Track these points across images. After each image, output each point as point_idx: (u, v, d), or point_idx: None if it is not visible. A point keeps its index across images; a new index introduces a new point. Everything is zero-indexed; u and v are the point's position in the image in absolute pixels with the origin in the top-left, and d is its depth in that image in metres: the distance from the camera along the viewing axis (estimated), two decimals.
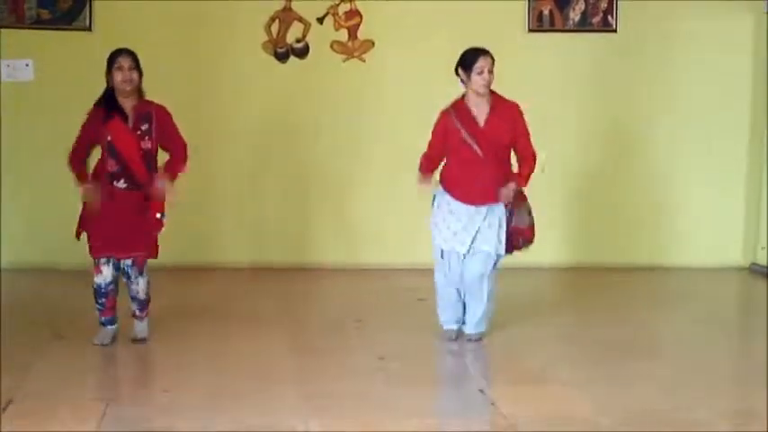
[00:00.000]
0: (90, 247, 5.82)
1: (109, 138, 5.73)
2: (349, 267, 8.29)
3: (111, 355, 5.77)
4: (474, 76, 5.78)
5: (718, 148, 8.54)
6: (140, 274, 5.89)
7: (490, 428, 4.62)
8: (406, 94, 8.29)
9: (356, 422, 4.60)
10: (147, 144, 5.76)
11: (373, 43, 8.35)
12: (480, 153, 5.79)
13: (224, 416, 4.63)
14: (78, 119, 7.97)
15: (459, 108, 5.88)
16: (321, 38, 8.31)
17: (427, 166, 5.99)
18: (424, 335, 6.21)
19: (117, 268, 5.86)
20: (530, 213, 5.97)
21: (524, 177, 5.88)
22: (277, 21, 8.29)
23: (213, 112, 8.29)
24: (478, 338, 6.02)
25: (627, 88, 8.49)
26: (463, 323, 6.07)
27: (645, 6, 8.36)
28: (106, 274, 5.83)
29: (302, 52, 8.33)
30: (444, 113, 5.92)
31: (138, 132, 5.75)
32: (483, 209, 5.84)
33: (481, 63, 5.77)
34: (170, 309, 6.55)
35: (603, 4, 8.37)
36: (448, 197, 5.89)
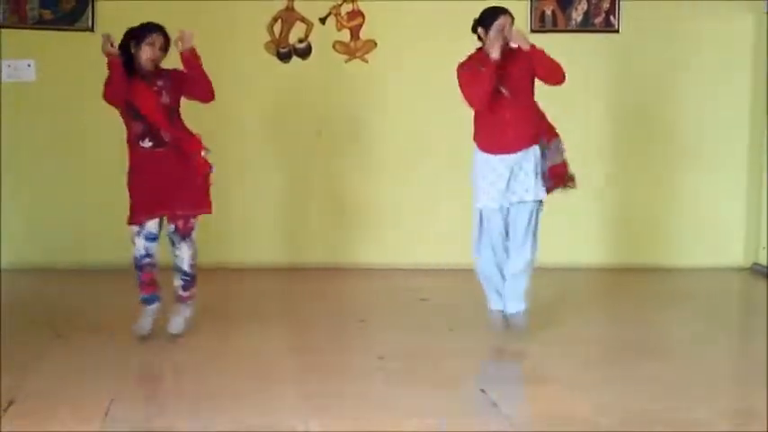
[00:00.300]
0: (128, 216, 5.78)
1: (128, 98, 5.67)
2: (350, 267, 8.30)
3: (112, 355, 5.76)
4: (493, 33, 5.78)
5: (718, 148, 8.54)
6: (183, 239, 5.79)
7: (491, 429, 4.61)
8: (409, 94, 8.30)
9: (357, 422, 4.60)
10: (165, 99, 5.72)
11: (376, 44, 8.35)
12: (509, 96, 5.80)
13: (224, 415, 4.63)
14: (80, 119, 8.07)
15: (479, 57, 5.86)
16: (323, 38, 8.32)
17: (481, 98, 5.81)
18: (425, 335, 6.22)
19: (151, 239, 5.79)
20: (562, 149, 5.97)
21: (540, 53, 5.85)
22: (279, 21, 8.30)
23: (215, 113, 8.24)
24: (522, 319, 5.99)
25: (629, 89, 8.48)
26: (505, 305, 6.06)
27: (647, 7, 8.35)
28: (139, 245, 5.78)
29: (305, 52, 8.34)
30: (465, 61, 5.89)
31: (155, 88, 5.71)
32: (519, 155, 5.83)
33: (501, 21, 5.80)
34: (170, 308, 6.55)
35: (606, 5, 8.37)
36: (485, 155, 5.89)
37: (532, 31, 8.33)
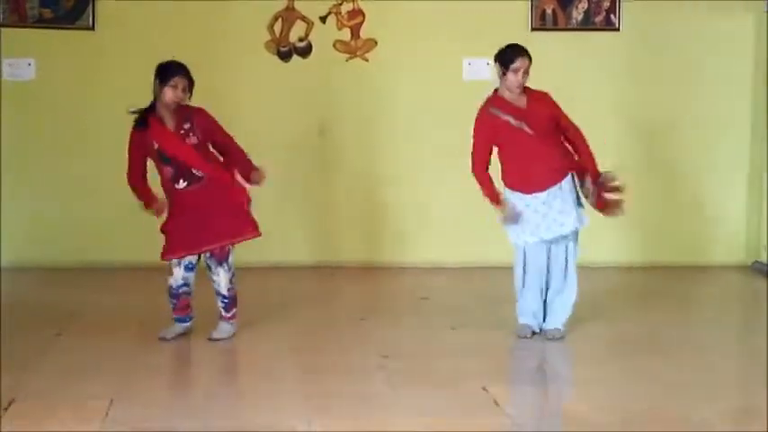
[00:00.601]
0: (163, 252, 5.79)
1: (156, 146, 5.68)
2: (352, 265, 8.30)
3: (113, 354, 5.76)
4: (510, 75, 5.78)
5: (719, 146, 8.54)
6: (220, 264, 5.81)
7: (494, 428, 4.61)
8: (409, 93, 8.30)
9: (358, 421, 4.59)
10: (193, 140, 5.71)
11: (376, 42, 8.35)
12: (533, 133, 5.78)
13: (225, 415, 4.63)
14: (80, 118, 8.07)
15: (496, 101, 5.87)
16: (324, 37, 8.31)
17: (480, 166, 5.88)
18: (427, 333, 6.22)
19: (189, 269, 5.82)
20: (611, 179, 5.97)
21: (592, 162, 5.90)
22: (280, 20, 8.29)
23: (215, 111, 8.23)
24: (561, 336, 5.99)
25: (629, 87, 8.48)
26: (543, 320, 6.05)
27: (648, 5, 8.35)
28: (177, 275, 5.80)
29: (305, 51, 8.33)
30: (483, 111, 5.88)
31: (182, 131, 5.71)
32: (553, 190, 5.83)
33: (518, 64, 5.77)
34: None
35: (606, 3, 8.37)
36: (518, 194, 5.88)
37: (533, 29, 8.34)
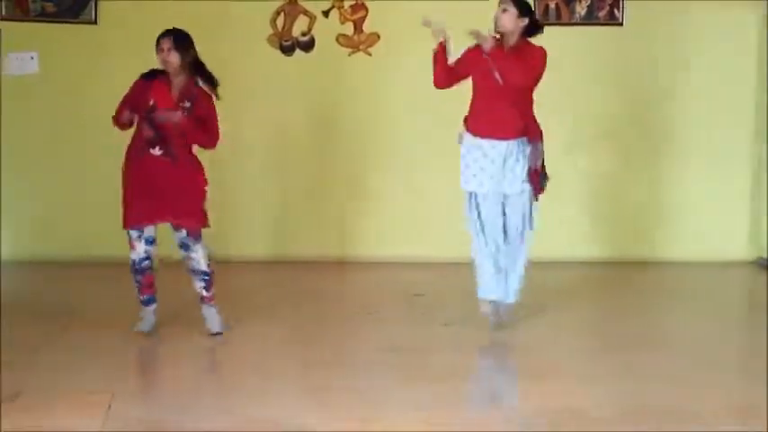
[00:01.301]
0: (123, 221, 5.81)
1: (152, 101, 5.74)
2: (356, 260, 8.29)
3: (118, 349, 5.76)
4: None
5: (722, 142, 8.51)
6: (197, 240, 5.86)
7: (500, 422, 4.61)
8: (412, 87, 8.28)
9: (363, 416, 4.60)
10: (177, 117, 5.75)
11: (379, 36, 8.34)
12: (502, 83, 5.84)
13: (227, 409, 4.63)
14: (83, 111, 8.06)
15: (493, 40, 5.94)
16: (327, 31, 8.30)
17: (443, 66, 6.00)
18: (432, 328, 6.22)
19: (150, 242, 5.84)
20: (542, 152, 6.03)
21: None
22: (282, 14, 8.28)
23: (218, 105, 8.27)
24: (507, 312, 6.11)
25: (633, 82, 8.46)
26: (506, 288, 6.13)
27: (652, 1, 8.33)
28: (139, 249, 5.82)
29: (308, 45, 8.32)
30: (476, 45, 5.96)
31: (180, 105, 5.76)
32: (512, 145, 5.90)
33: (503, 4, 5.98)
34: (177, 301, 6.54)
35: None
36: (477, 139, 5.95)
37: None
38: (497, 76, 5.84)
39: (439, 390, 5.01)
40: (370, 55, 8.34)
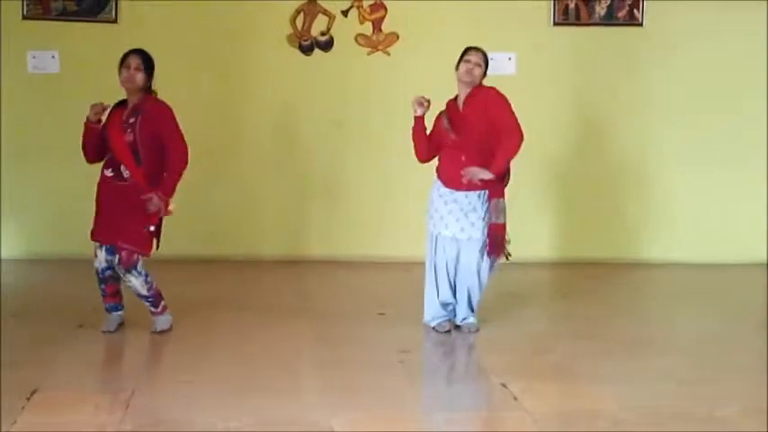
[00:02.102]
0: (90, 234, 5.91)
1: (103, 126, 5.81)
2: (370, 260, 8.30)
3: (135, 346, 5.80)
4: (461, 64, 6.06)
5: (740, 143, 8.49)
6: (128, 271, 5.79)
7: (513, 423, 4.61)
8: (430, 87, 8.24)
9: (379, 416, 4.60)
10: (129, 137, 5.71)
11: (398, 36, 8.34)
12: (456, 138, 5.98)
13: (245, 409, 4.64)
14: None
15: (449, 102, 6.16)
16: (346, 31, 8.31)
17: (421, 140, 6.21)
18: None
19: (111, 252, 5.84)
20: (502, 210, 6.02)
21: (498, 162, 5.92)
22: (302, 13, 8.30)
23: (238, 104, 8.32)
24: (477, 329, 6.10)
25: (653, 82, 8.44)
26: (455, 315, 6.17)
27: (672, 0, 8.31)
28: (100, 258, 5.87)
29: (327, 45, 8.34)
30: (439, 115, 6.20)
31: (124, 124, 5.74)
32: (471, 196, 5.99)
33: (469, 56, 6.07)
34: (193, 300, 6.57)
35: None
36: (438, 184, 6.12)
37: (555, 24, 8.32)
38: (452, 134, 6.03)
39: (458, 389, 5.01)
40: (388, 55, 8.35)
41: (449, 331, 6.06)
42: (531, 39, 8.28)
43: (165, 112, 5.79)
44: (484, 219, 5.98)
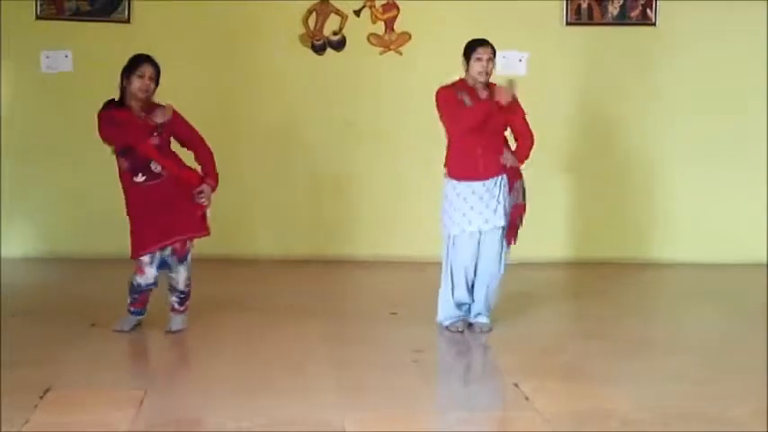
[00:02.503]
0: (131, 251, 5.81)
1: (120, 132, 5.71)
2: (382, 259, 8.30)
3: (148, 345, 5.82)
4: (473, 63, 5.94)
5: (746, 143, 8.46)
6: (180, 262, 5.86)
7: (525, 423, 4.60)
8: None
9: (391, 416, 4.60)
10: (155, 140, 5.71)
11: (410, 36, 8.35)
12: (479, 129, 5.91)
13: (258, 408, 4.65)
14: None
15: (460, 85, 6.04)
16: (358, 30, 8.32)
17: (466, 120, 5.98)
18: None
19: (161, 266, 5.84)
20: (524, 191, 6.08)
21: (523, 154, 6.01)
22: (314, 13, 8.31)
23: (250, 104, 8.33)
24: (489, 329, 6.08)
25: (666, 82, 8.42)
26: (469, 313, 6.15)
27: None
28: (149, 274, 5.81)
29: (339, 45, 8.35)
30: (446, 87, 6.06)
31: (152, 124, 5.72)
32: (488, 183, 5.95)
33: (480, 51, 5.93)
34: (205, 300, 6.57)
35: None
36: (454, 182, 6.03)
37: (567, 23, 8.31)
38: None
39: (470, 389, 5.00)
40: (401, 54, 8.35)
41: (462, 331, 6.06)
42: (544, 39, 8.27)
43: (180, 115, 5.84)
44: (504, 204, 5.96)
